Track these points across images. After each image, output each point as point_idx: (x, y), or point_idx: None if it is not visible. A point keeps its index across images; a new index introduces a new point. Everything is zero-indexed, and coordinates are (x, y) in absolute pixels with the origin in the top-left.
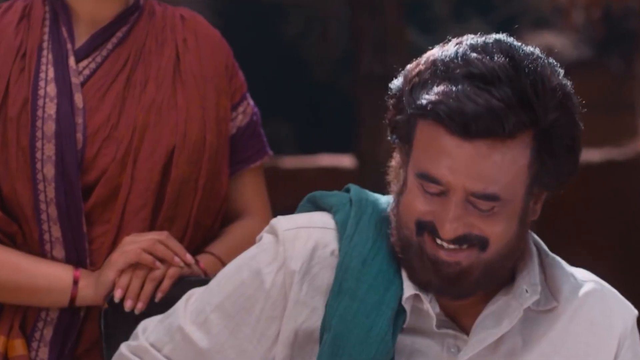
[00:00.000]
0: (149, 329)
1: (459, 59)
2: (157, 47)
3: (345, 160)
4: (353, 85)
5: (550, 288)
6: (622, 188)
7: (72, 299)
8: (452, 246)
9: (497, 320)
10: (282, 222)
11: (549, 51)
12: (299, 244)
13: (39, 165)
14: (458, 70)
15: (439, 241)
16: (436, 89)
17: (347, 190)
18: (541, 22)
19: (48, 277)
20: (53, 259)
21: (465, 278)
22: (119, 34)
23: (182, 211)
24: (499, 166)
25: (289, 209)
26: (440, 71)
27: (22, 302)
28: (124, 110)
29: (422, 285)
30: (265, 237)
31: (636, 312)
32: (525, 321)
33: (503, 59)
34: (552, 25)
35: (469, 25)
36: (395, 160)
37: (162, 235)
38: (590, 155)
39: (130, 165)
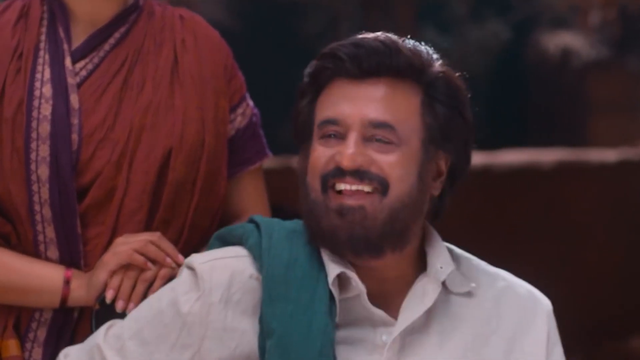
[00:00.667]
0: (70, 354)
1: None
2: (155, 48)
3: None
4: None
5: (464, 273)
6: (639, 188)
7: (64, 300)
8: (354, 186)
9: (420, 298)
10: (196, 258)
11: (567, 51)
12: (216, 274)
13: (33, 166)
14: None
15: (342, 186)
16: (333, 45)
17: (250, 222)
18: (558, 22)
19: (40, 277)
20: (47, 259)
21: (370, 221)
22: (117, 35)
23: (179, 214)
24: (393, 102)
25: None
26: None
27: (15, 302)
28: (121, 111)
29: (330, 236)
30: (184, 271)
31: None
32: (449, 304)
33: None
34: (569, 25)
35: (486, 24)
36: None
37: (154, 236)
38: (606, 155)
39: (125, 167)
